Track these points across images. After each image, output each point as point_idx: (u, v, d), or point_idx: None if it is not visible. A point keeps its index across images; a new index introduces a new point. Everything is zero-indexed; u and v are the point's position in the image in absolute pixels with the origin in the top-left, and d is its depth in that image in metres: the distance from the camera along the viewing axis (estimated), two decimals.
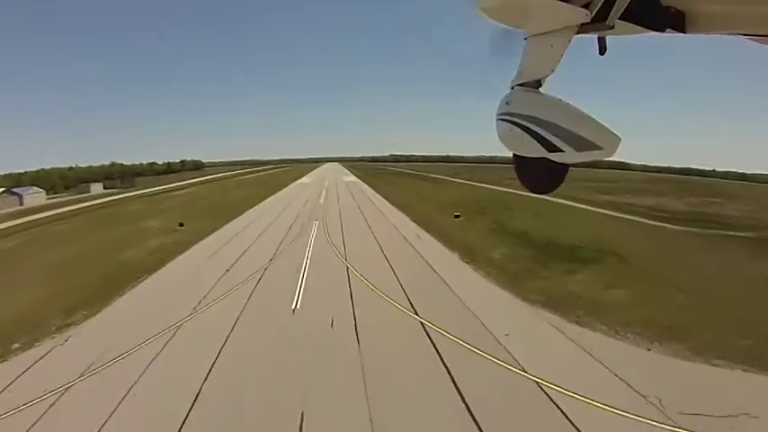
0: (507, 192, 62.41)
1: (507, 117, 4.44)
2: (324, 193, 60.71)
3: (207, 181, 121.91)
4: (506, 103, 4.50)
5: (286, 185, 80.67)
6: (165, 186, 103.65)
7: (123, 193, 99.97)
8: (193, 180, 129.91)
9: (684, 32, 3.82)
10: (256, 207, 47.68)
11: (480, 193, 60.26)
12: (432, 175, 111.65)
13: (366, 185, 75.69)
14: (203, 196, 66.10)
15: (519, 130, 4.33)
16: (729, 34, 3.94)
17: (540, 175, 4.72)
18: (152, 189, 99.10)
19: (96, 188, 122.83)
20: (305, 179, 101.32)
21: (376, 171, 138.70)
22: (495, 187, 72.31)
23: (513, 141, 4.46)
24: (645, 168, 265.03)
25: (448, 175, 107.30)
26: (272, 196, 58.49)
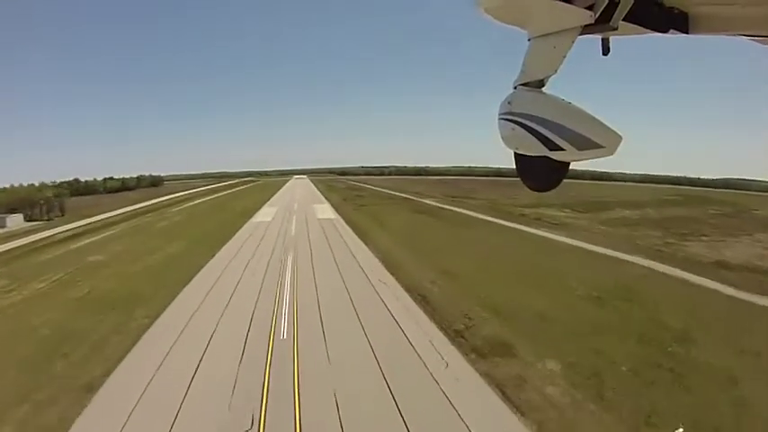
0: (586, 251, 40.79)
1: (509, 116, 4.36)
2: (287, 276, 31.82)
3: (142, 212, 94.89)
4: (508, 102, 4.40)
5: (237, 229, 55.59)
6: (77, 225, 76.73)
7: (34, 232, 73.41)
8: (127, 209, 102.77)
9: (687, 33, 3.80)
10: (159, 323, 23.24)
11: (563, 265, 35.95)
12: (427, 203, 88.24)
13: (352, 231, 50.62)
14: (102, 263, 40.55)
15: (521, 129, 4.25)
16: (732, 35, 3.92)
17: (541, 173, 4.52)
18: (59, 230, 72.65)
19: (14, 221, 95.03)
20: (265, 213, 75.62)
21: (353, 194, 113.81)
22: (542, 233, 50.03)
23: (515, 140, 4.37)
24: (626, 177, 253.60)
25: (452, 203, 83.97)
26: (201, 273, 33.17)
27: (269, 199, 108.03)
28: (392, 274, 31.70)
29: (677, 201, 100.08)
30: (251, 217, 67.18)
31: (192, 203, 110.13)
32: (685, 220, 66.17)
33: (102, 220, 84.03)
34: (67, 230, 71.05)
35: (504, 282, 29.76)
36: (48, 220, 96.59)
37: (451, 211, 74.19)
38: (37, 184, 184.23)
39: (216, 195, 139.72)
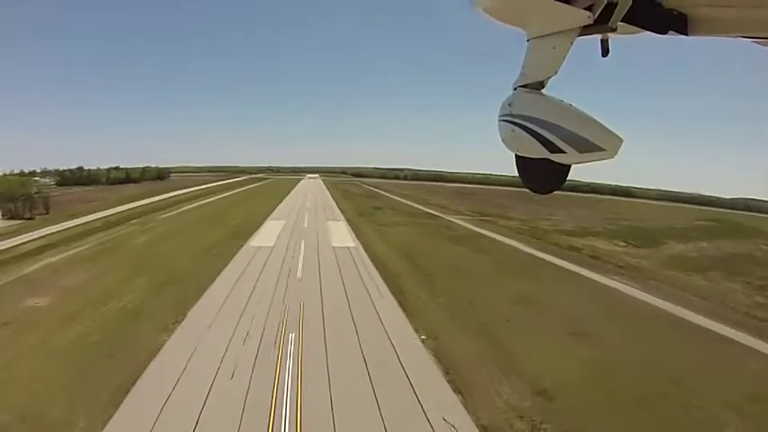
0: (683, 322, 28.78)
1: (509, 118, 4.27)
2: (285, 413, 22.67)
3: (130, 215, 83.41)
4: (508, 104, 4.32)
5: (228, 260, 43.41)
6: (52, 231, 65.66)
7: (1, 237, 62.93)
8: (117, 210, 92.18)
9: (687, 35, 3.70)
10: None
11: (676, 361, 22.11)
12: (458, 224, 74.85)
13: (379, 276, 37.36)
14: (37, 314, 28.67)
15: (521, 131, 4.15)
16: (732, 37, 3.82)
17: (541, 176, 4.47)
18: (29, 236, 61.66)
19: None
20: (268, 231, 63.41)
21: (370, 206, 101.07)
22: (611, 283, 37.45)
23: (515, 142, 4.29)
24: (647, 194, 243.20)
25: (485, 225, 68.90)
26: (146, 374, 20.00)
27: (276, 206, 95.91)
28: (459, 394, 19.18)
29: (717, 229, 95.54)
30: (249, 237, 54.87)
31: (189, 206, 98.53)
32: (746, 260, 57.88)
33: (82, 224, 73.21)
34: (38, 238, 60.36)
35: (624, 416, 17.59)
36: (29, 219, 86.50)
37: (491, 239, 61.55)
38: (27, 171, 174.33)
39: (218, 197, 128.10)
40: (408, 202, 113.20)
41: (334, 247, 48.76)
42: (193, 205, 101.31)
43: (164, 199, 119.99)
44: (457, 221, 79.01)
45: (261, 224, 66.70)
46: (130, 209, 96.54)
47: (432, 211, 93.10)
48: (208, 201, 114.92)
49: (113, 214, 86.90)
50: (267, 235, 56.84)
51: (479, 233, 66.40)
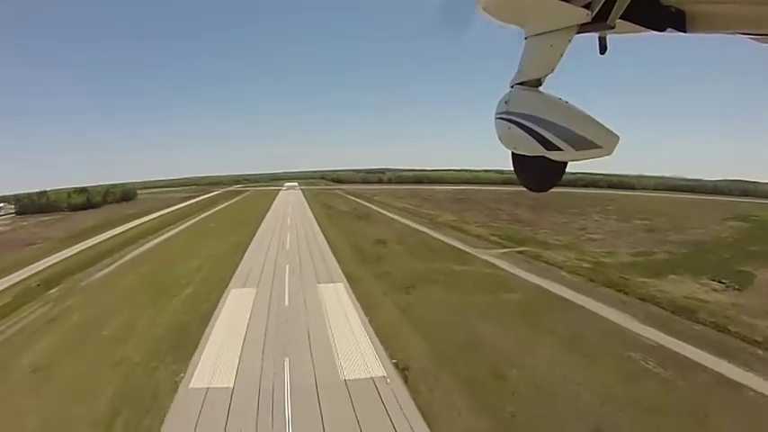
0: None
1: (506, 116, 4.09)
2: None
3: (43, 283, 57.66)
4: (505, 102, 4.14)
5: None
6: None
7: None
8: (40, 265, 66.66)
9: (685, 32, 3.54)
10: None
11: None
12: (499, 268, 50.20)
13: None
14: None
15: (518, 128, 3.96)
16: (730, 34, 3.61)
17: (538, 173, 4.24)
18: None
19: None
20: (228, 319, 39.33)
21: (371, 239, 76.34)
22: None
23: (512, 140, 4.10)
24: (644, 183, 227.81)
25: (530, 264, 42.97)
26: None
27: (247, 247, 71.67)
28: None
29: (758, 232, 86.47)
30: (195, 351, 30.99)
31: (135, 252, 73.29)
32: None
33: None
34: None
35: None
36: None
37: (572, 307, 39.31)
38: None
39: (178, 229, 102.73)
40: (413, 225, 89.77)
41: (346, 383, 25.34)
42: (141, 250, 76.05)
43: (111, 237, 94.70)
44: (494, 261, 56.43)
45: (218, 301, 42.50)
46: (65, 259, 71.90)
47: (452, 242, 69.98)
48: (163, 237, 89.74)
49: (40, 271, 62.44)
50: (223, 343, 32.60)
51: (545, 290, 44.03)
